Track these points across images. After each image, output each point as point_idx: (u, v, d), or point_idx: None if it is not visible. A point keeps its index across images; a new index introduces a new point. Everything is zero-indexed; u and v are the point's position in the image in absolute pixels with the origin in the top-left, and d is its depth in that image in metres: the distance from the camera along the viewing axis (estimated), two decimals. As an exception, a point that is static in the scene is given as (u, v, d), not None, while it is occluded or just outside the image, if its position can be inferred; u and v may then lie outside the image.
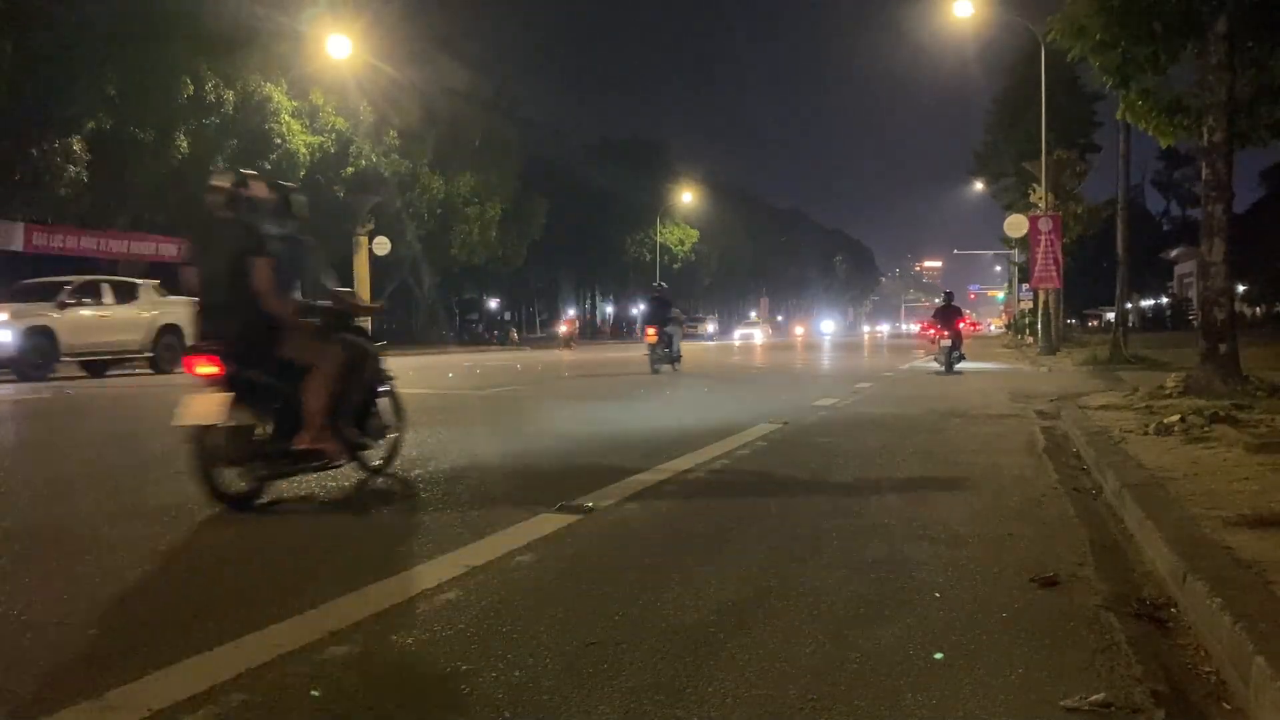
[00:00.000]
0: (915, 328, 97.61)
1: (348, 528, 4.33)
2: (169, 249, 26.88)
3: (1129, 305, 30.19)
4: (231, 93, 24.38)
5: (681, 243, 63.23)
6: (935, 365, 18.23)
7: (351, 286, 32.55)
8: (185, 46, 22.73)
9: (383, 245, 33.04)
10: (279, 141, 26.49)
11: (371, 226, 33.50)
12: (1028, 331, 39.51)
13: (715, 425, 8.14)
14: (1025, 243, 27.93)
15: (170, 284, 17.81)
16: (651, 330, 17.79)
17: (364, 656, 2.55)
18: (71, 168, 21.13)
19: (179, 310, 17.99)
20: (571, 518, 4.30)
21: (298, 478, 5.05)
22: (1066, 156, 29.40)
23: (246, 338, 4.57)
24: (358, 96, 30.29)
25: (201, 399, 4.40)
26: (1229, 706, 2.27)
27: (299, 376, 4.68)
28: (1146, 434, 6.53)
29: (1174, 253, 58.58)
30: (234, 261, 4.58)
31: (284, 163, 26.83)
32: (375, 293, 36.46)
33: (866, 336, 77.52)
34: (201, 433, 4.37)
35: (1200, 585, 2.74)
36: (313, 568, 3.58)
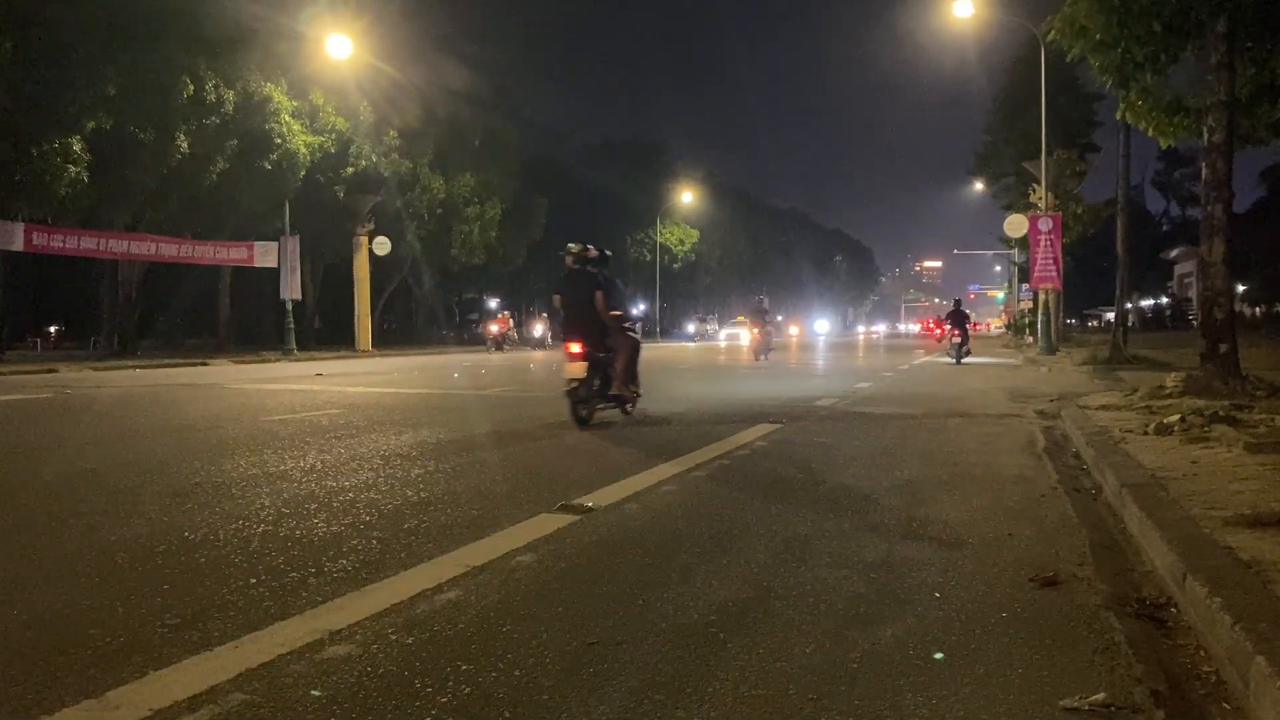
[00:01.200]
0: (915, 327, 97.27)
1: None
2: (169, 249, 26.86)
3: (1129, 305, 30.19)
4: (231, 93, 24.35)
5: (681, 243, 63.19)
6: (948, 358, 23.15)
7: (352, 287, 32.47)
8: (185, 46, 22.69)
9: (383, 245, 33.03)
10: (279, 141, 26.45)
11: (371, 226, 33.49)
12: (1027, 331, 39.53)
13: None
14: (1025, 243, 27.94)
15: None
16: (756, 331, 25.25)
17: (364, 656, 2.55)
18: (71, 168, 21.08)
19: None
20: (572, 517, 4.31)
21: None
22: (1066, 156, 29.42)
23: (591, 334, 8.45)
24: (358, 96, 30.26)
25: (574, 365, 8.27)
26: (1229, 706, 2.27)
27: (612, 354, 8.63)
28: (1146, 434, 6.53)
29: (1174, 253, 58.60)
30: (585, 294, 8.63)
31: (284, 163, 26.78)
32: (375, 293, 36.51)
33: (861, 337, 76.91)
34: (574, 385, 8.26)
35: (1200, 585, 2.74)
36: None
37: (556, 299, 8.97)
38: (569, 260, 8.88)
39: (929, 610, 2.97)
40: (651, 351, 32.63)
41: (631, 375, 8.89)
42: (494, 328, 36.25)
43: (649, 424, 8.60)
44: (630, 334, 8.88)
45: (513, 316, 40.57)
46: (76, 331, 42.81)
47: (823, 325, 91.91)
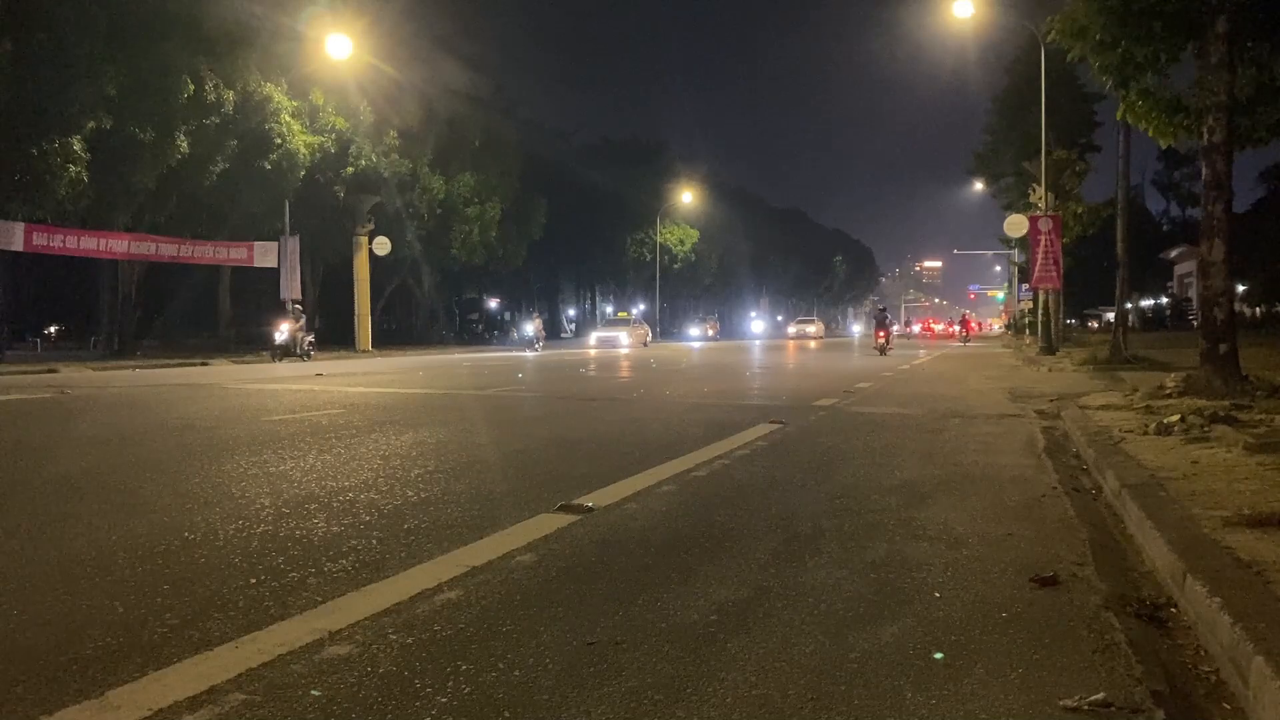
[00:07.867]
0: (917, 328, 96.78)
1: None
2: (169, 249, 26.86)
3: (1129, 305, 30.25)
4: (231, 93, 24.36)
5: (681, 243, 63.18)
6: (956, 344, 37.43)
7: (352, 287, 32.32)
8: (185, 46, 22.70)
9: (383, 245, 33.05)
10: (279, 141, 26.46)
11: (371, 226, 33.49)
12: (1027, 331, 39.60)
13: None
14: (1025, 243, 27.96)
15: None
16: (882, 333, 36.49)
17: (364, 656, 2.55)
18: (71, 168, 21.08)
19: None
20: (572, 517, 4.30)
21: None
22: (1066, 156, 29.40)
23: (885, 331, 32.87)
24: (358, 96, 30.28)
25: (881, 340, 31.28)
26: (1229, 706, 2.27)
27: (888, 338, 32.13)
28: (1146, 434, 6.53)
29: (1174, 253, 58.61)
30: (883, 316, 33.59)
31: (284, 163, 26.79)
32: (375, 293, 36.52)
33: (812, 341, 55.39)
34: (881, 344, 30.96)
35: (1200, 585, 2.74)
36: (622, 451, 7.37)
37: (874, 317, 35.11)
38: (878, 306, 39.90)
39: (929, 610, 2.97)
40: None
41: (889, 344, 30.40)
42: (282, 329, 25.80)
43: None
44: (891, 330, 31.72)
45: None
46: (76, 331, 42.82)
47: (758, 326, 79.47)
